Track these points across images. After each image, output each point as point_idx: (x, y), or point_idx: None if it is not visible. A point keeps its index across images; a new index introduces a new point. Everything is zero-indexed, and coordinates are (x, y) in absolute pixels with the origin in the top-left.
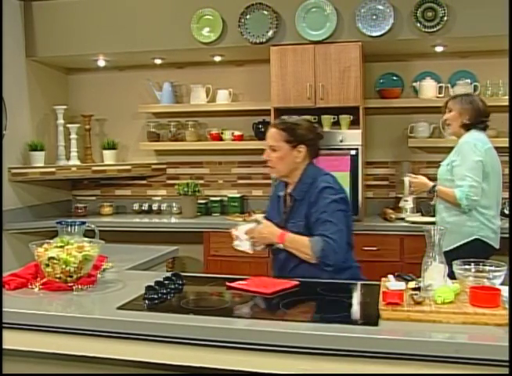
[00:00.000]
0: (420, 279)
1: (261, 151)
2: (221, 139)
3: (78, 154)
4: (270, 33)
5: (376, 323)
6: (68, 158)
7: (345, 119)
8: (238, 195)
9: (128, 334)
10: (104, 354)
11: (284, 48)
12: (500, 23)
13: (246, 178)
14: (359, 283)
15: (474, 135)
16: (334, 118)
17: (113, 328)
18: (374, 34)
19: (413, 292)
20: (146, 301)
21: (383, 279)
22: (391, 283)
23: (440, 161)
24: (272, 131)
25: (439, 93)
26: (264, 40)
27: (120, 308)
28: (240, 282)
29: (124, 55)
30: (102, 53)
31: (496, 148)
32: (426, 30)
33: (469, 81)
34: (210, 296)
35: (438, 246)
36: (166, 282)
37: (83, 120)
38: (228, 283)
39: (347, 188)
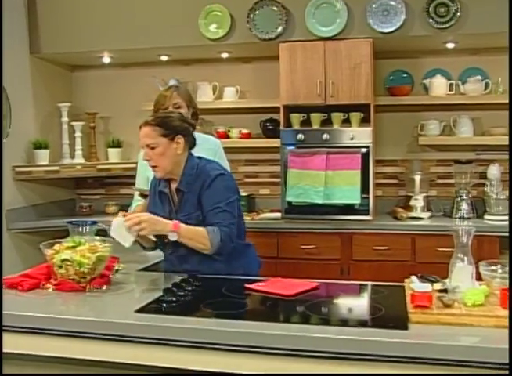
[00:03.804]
0: (445, 280)
1: (268, 149)
2: (227, 137)
3: (83, 152)
4: (279, 29)
5: (405, 327)
6: (73, 156)
7: (356, 116)
8: (245, 194)
9: (149, 338)
10: (124, 359)
11: (294, 45)
12: None
13: (253, 176)
14: (376, 284)
15: None
16: (345, 116)
17: (134, 333)
18: (385, 30)
19: (440, 294)
20: (164, 304)
21: (406, 280)
22: (417, 285)
23: (451, 160)
24: (145, 130)
25: (449, 90)
26: (273, 36)
27: (138, 311)
28: (259, 284)
29: (129, 51)
30: (107, 50)
31: (508, 146)
32: (438, 26)
33: (480, 78)
34: (230, 298)
35: (467, 246)
36: (183, 284)
37: (87, 117)
38: (246, 285)
39: (357, 187)
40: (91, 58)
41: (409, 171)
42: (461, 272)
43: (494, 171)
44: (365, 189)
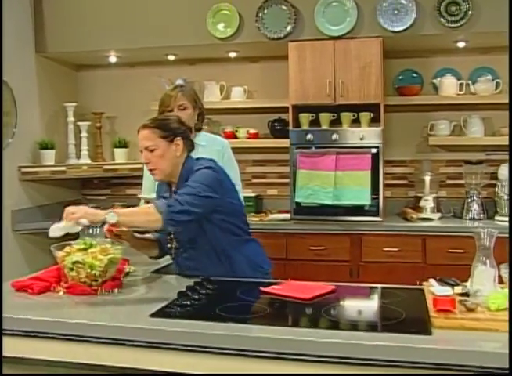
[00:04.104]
0: (465, 283)
1: (276, 150)
2: (235, 137)
3: (89, 153)
4: (288, 28)
5: (429, 332)
6: (79, 157)
7: (365, 116)
8: (253, 194)
9: (166, 344)
10: (139, 365)
11: (303, 44)
12: None
13: (261, 177)
14: (393, 287)
15: None
16: (354, 116)
17: (149, 338)
18: (396, 29)
19: (462, 298)
20: (179, 308)
21: (424, 283)
22: (437, 289)
23: (461, 160)
24: (144, 133)
25: (460, 90)
26: (282, 35)
27: (153, 315)
28: (275, 287)
29: (135, 51)
30: (113, 49)
31: None
32: (449, 25)
33: (490, 77)
34: (246, 302)
35: (489, 249)
36: (197, 287)
37: (93, 117)
38: (262, 288)
39: (367, 188)
40: (97, 57)
41: (419, 172)
42: (482, 276)
43: (505, 172)
44: (374, 189)
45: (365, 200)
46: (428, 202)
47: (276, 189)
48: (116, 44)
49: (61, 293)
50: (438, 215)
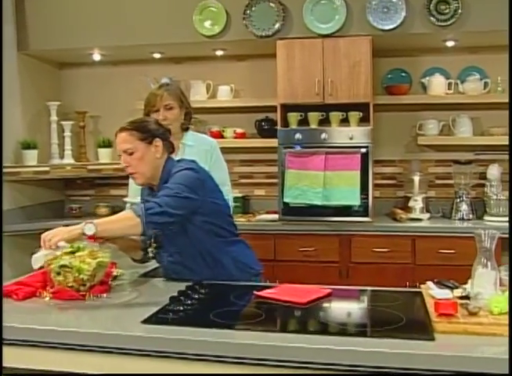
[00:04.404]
0: (464, 286)
1: (264, 149)
2: (222, 137)
3: (72, 153)
4: (276, 26)
5: (432, 338)
6: (62, 157)
7: (354, 116)
8: (240, 195)
9: (159, 352)
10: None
11: (291, 42)
12: None
13: (248, 177)
14: (390, 290)
15: None
16: (343, 115)
17: (142, 346)
18: (385, 27)
19: (463, 301)
20: (172, 314)
21: (422, 286)
22: (436, 292)
23: (450, 160)
24: (122, 136)
25: (448, 89)
26: (270, 33)
27: (145, 322)
28: (269, 290)
29: (120, 49)
30: (97, 47)
31: (507, 146)
32: (439, 23)
33: (479, 77)
34: (240, 307)
35: (490, 251)
36: (189, 292)
37: (77, 117)
38: (256, 293)
39: (357, 188)
40: (80, 55)
41: (408, 172)
42: (483, 278)
43: (494, 172)
44: (364, 190)
45: (354, 200)
46: (417, 202)
47: (264, 190)
48: (100, 41)
49: (47, 298)
50: (427, 215)
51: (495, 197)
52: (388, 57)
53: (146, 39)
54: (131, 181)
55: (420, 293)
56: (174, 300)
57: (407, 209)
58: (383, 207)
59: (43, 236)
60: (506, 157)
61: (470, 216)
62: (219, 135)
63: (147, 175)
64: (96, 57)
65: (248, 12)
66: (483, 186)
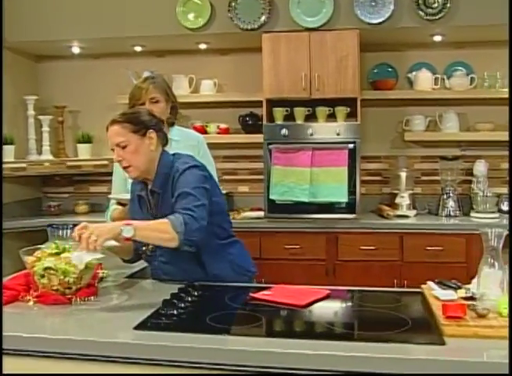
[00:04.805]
0: (467, 286)
1: (248, 145)
2: (205, 132)
3: (51, 148)
4: (262, 19)
5: (442, 342)
6: (40, 153)
7: (342, 111)
8: (223, 192)
9: (154, 360)
10: None
11: (277, 36)
12: (505, 11)
13: (231, 173)
14: (390, 290)
15: None
16: (330, 110)
17: (136, 354)
18: (373, 21)
19: (469, 302)
20: (166, 319)
21: (423, 286)
22: (440, 292)
23: (436, 156)
24: (114, 129)
25: (435, 85)
26: (255, 26)
27: (137, 328)
28: (265, 292)
29: (100, 41)
30: (76, 39)
31: (494, 142)
32: (427, 17)
33: (465, 72)
34: (237, 311)
35: (497, 250)
36: (182, 294)
37: (55, 111)
38: (252, 295)
39: (344, 184)
40: (59, 48)
41: (394, 168)
42: (489, 278)
43: (480, 168)
44: (351, 186)
45: (342, 197)
46: (404, 199)
47: (247, 186)
48: (79, 33)
49: (31, 303)
50: (414, 211)
51: (481, 194)
52: (374, 52)
53: (127, 31)
54: (114, 177)
55: (421, 293)
56: (168, 303)
57: (394, 206)
58: (368, 204)
59: (83, 236)
60: (492, 153)
61: (457, 213)
62: (202, 131)
63: (142, 169)
64: (75, 50)
65: (233, 4)
66: (470, 182)
